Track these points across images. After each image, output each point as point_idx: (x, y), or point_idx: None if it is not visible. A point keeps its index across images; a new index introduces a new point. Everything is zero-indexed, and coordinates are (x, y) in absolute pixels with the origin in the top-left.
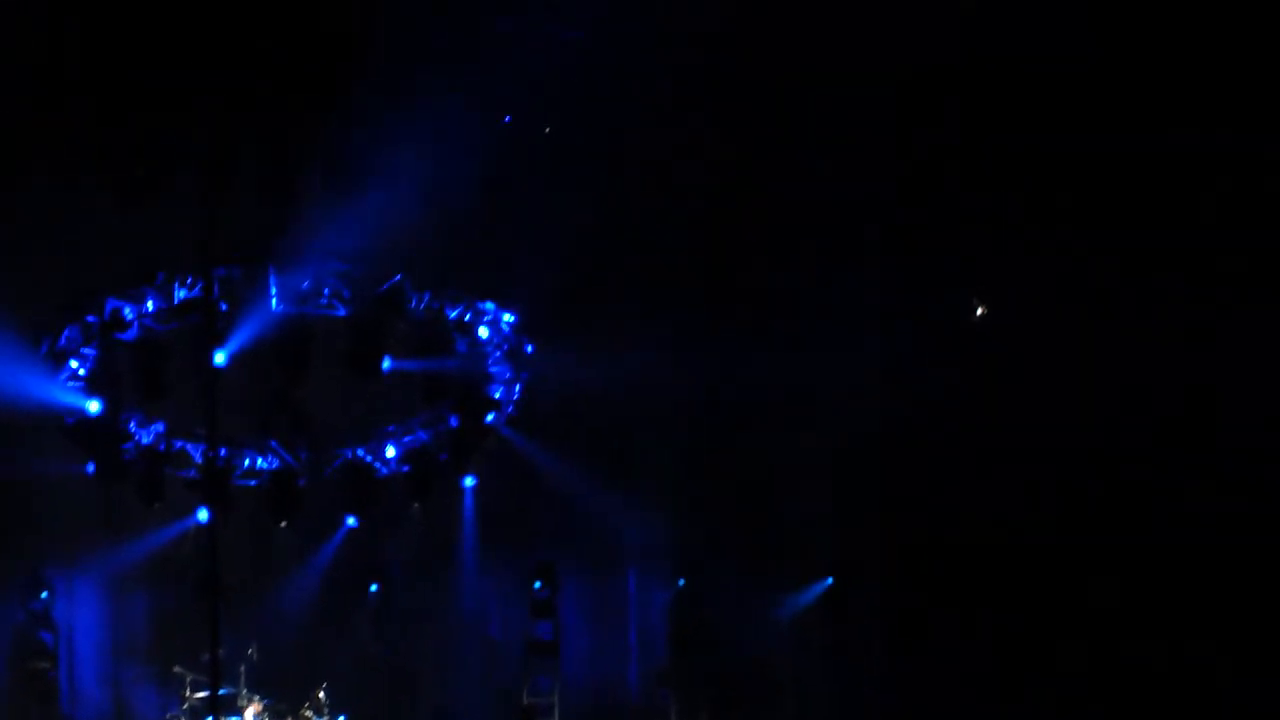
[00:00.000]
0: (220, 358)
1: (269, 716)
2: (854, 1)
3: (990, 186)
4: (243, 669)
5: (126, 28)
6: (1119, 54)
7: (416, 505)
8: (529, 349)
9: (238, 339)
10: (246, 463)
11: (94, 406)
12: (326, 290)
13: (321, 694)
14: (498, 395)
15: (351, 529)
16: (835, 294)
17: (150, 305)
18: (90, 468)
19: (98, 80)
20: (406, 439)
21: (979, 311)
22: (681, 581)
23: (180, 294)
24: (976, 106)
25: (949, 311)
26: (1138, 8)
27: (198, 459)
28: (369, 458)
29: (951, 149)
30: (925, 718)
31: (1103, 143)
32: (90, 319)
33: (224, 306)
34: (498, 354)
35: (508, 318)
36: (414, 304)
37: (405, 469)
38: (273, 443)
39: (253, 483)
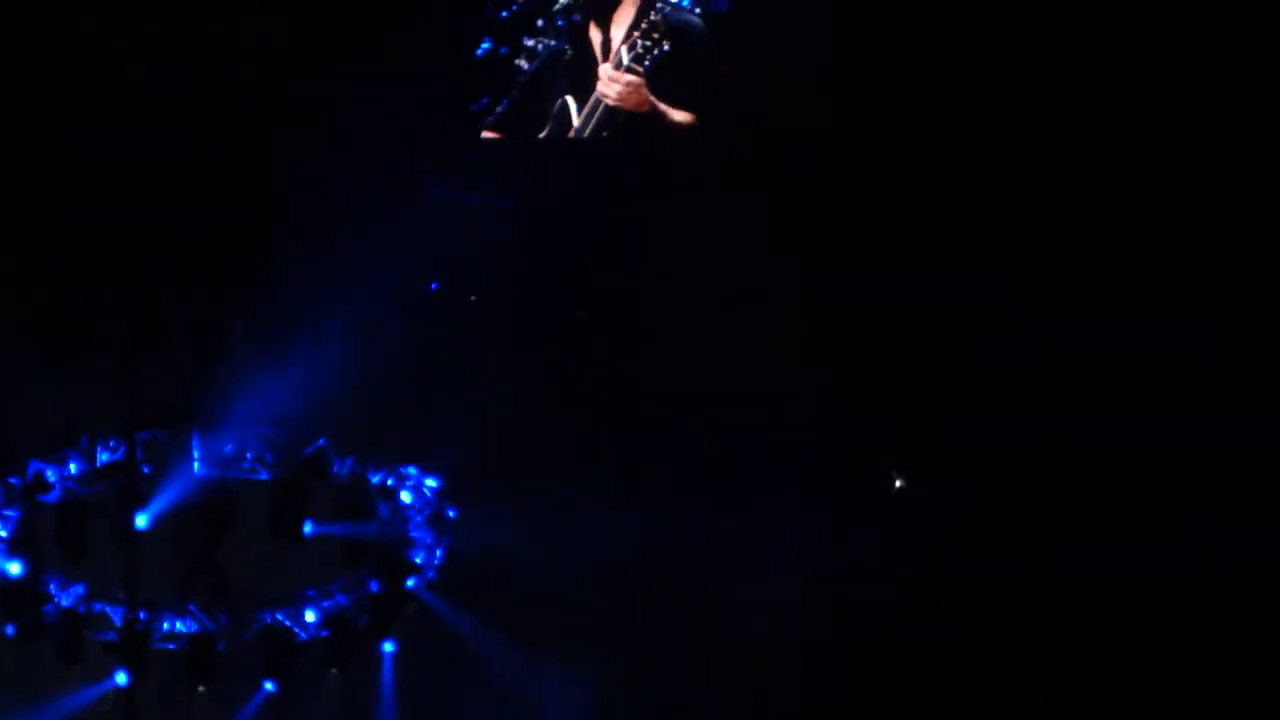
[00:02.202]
0: (142, 521)
1: None
2: None
3: None
4: None
5: (46, 189)
6: None
7: (335, 671)
8: (452, 514)
9: (160, 502)
10: (166, 626)
11: (15, 568)
12: (250, 454)
13: None
14: (419, 560)
15: (270, 694)
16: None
17: (73, 468)
18: (9, 630)
19: (18, 241)
20: (326, 604)
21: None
22: None
23: (103, 457)
24: None
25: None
26: None
27: (117, 622)
28: (289, 622)
29: None
30: None
31: None
32: (12, 481)
33: (146, 470)
34: (420, 519)
35: (430, 483)
36: (337, 468)
37: (325, 634)
38: (192, 606)
39: (172, 646)
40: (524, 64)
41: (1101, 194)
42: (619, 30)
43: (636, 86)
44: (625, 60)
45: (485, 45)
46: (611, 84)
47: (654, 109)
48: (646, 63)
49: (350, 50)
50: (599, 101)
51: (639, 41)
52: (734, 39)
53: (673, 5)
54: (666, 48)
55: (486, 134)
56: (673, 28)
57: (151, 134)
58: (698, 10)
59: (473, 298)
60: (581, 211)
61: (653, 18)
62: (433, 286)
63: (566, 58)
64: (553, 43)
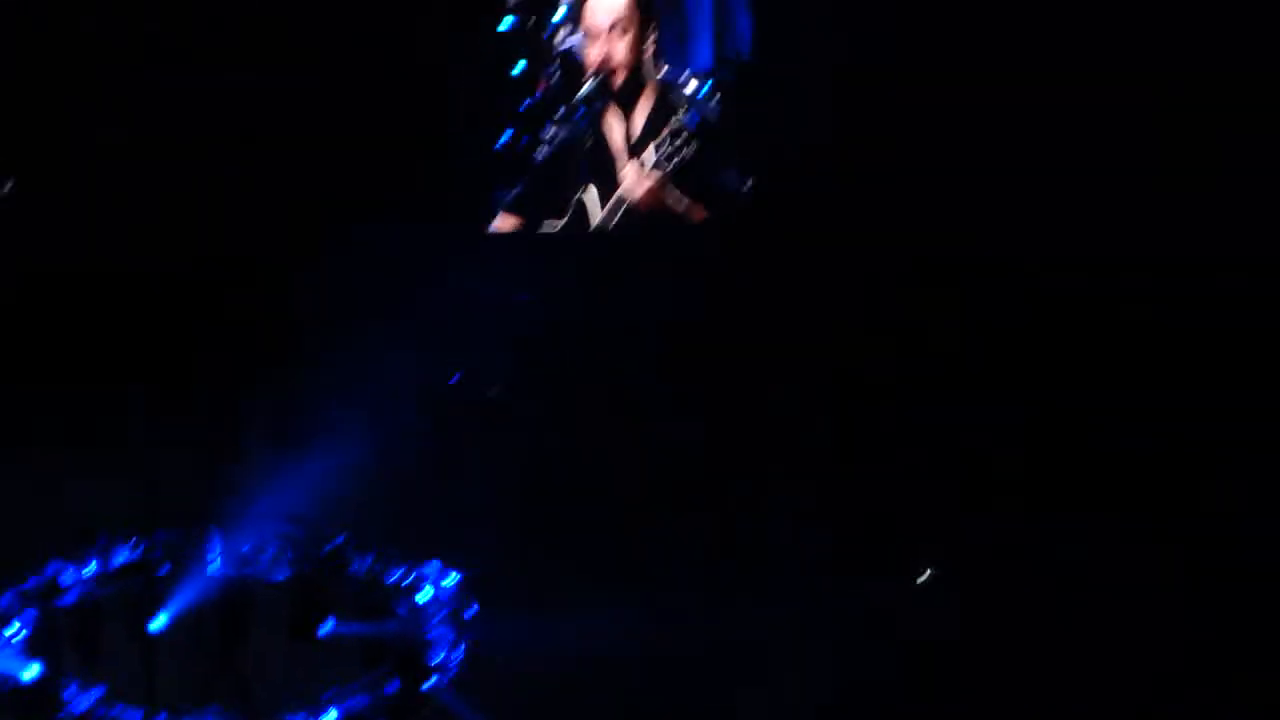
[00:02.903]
0: (160, 621)
1: None
2: None
3: None
4: None
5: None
6: None
7: None
8: (472, 613)
9: (178, 602)
10: None
11: (32, 671)
12: (268, 553)
13: None
14: (438, 659)
15: None
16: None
17: (89, 569)
18: None
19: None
20: (346, 704)
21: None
22: None
23: (121, 557)
24: None
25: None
26: None
27: None
28: None
29: None
30: None
31: None
32: (28, 583)
33: (164, 569)
34: (439, 618)
35: (450, 580)
36: (355, 566)
37: None
38: (212, 708)
39: None
40: (543, 152)
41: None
42: (639, 119)
43: (662, 185)
44: (653, 159)
45: (506, 135)
46: (638, 184)
47: (676, 205)
48: (673, 163)
49: (368, 141)
50: (623, 199)
51: (667, 143)
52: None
53: (688, 100)
54: (691, 151)
55: (502, 217)
56: (699, 128)
57: (169, 236)
58: (715, 100)
59: (493, 391)
60: (602, 303)
61: (680, 119)
62: (453, 379)
63: (587, 145)
64: (572, 130)
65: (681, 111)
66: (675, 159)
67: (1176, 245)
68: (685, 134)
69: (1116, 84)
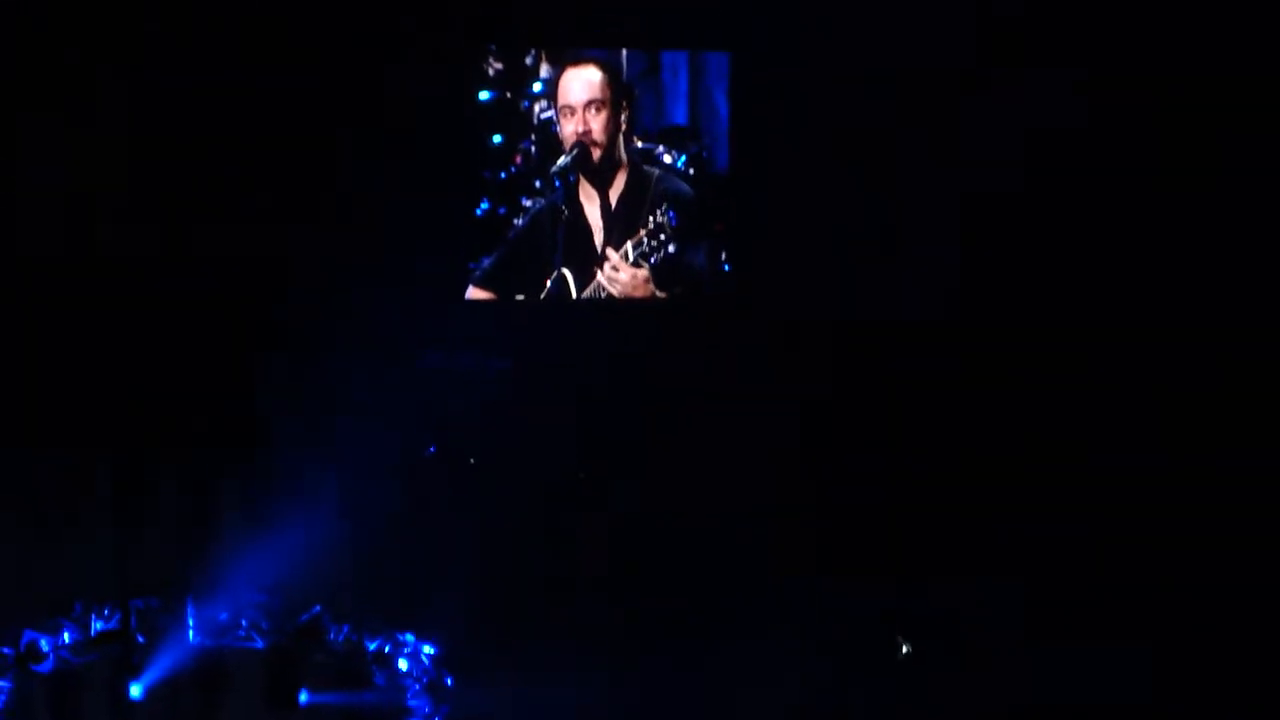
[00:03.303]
0: (136, 690)
1: None
2: None
3: None
4: None
5: (39, 359)
6: None
7: None
8: (449, 681)
9: (154, 671)
10: None
11: None
12: (245, 622)
13: None
14: None
15: None
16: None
17: (66, 637)
18: None
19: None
20: None
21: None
22: None
23: (97, 625)
24: None
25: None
26: None
27: None
28: None
29: None
30: None
31: None
32: (5, 650)
33: (141, 638)
34: (417, 687)
35: (428, 650)
36: (333, 636)
37: None
38: None
39: None
40: (520, 223)
41: None
42: (615, 194)
43: (643, 281)
44: (631, 256)
45: (483, 206)
46: (616, 276)
47: (652, 296)
48: (653, 260)
49: (344, 215)
50: (601, 287)
51: (645, 240)
52: (730, 202)
53: (664, 171)
54: (672, 249)
55: (474, 291)
56: (674, 227)
57: (139, 305)
58: (692, 171)
59: (471, 460)
60: (580, 371)
61: (659, 219)
62: (430, 449)
63: (563, 218)
64: (548, 202)
65: (660, 211)
66: (655, 256)
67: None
68: (663, 235)
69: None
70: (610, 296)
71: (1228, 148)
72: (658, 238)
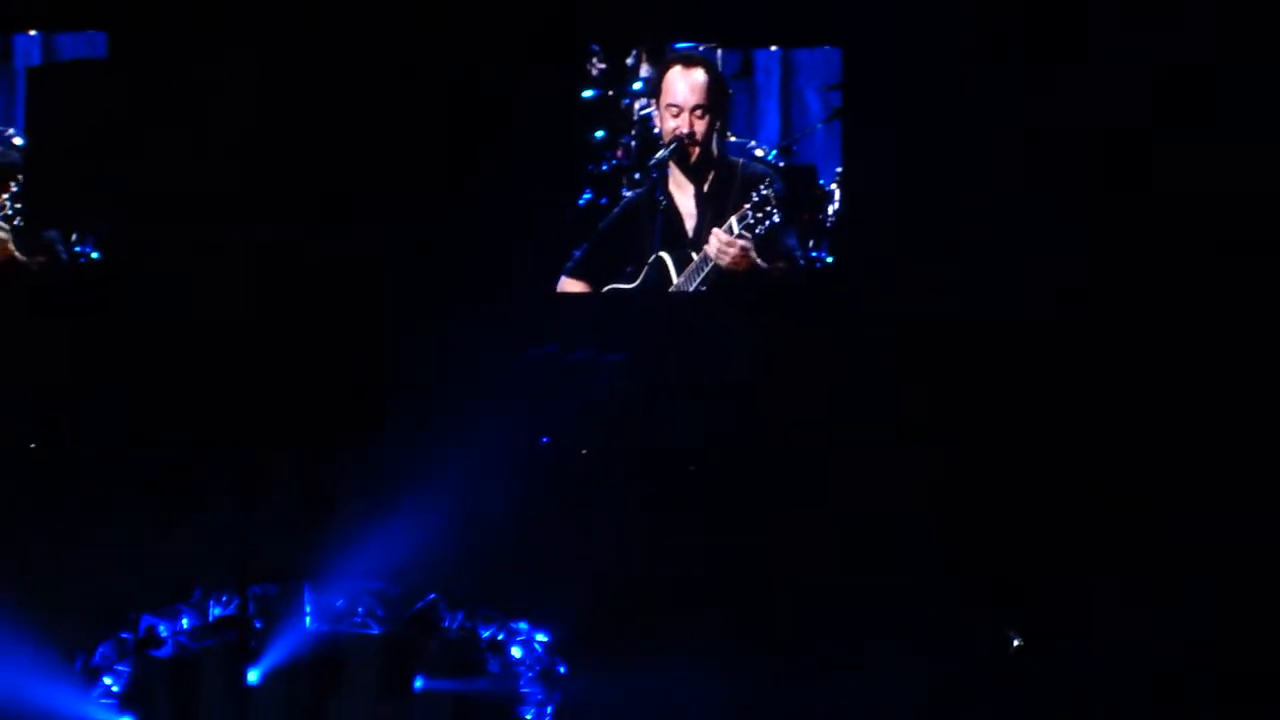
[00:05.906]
0: (254, 676)
1: None
2: None
3: None
4: None
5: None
6: None
7: None
8: (562, 669)
9: (271, 657)
10: None
11: None
12: (361, 609)
13: None
14: (529, 717)
15: None
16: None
17: (185, 622)
18: None
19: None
20: None
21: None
22: None
23: (215, 611)
24: None
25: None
26: None
27: None
28: None
29: None
30: None
31: None
32: (125, 635)
33: (259, 624)
34: (530, 674)
35: (541, 638)
36: (447, 623)
37: None
38: None
39: None
40: (614, 213)
41: None
42: (709, 187)
43: (746, 251)
44: (736, 229)
45: (586, 197)
46: (725, 249)
47: (756, 267)
48: (758, 230)
49: (450, 207)
50: (706, 261)
51: (749, 213)
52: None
53: (746, 159)
54: (776, 219)
55: (566, 281)
56: (779, 195)
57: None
58: (773, 155)
59: (583, 451)
60: (691, 364)
61: (763, 191)
62: (543, 440)
63: (660, 209)
64: (645, 193)
65: (766, 182)
66: (759, 228)
67: None
68: (768, 207)
69: None
70: (716, 269)
71: None
72: (763, 209)
